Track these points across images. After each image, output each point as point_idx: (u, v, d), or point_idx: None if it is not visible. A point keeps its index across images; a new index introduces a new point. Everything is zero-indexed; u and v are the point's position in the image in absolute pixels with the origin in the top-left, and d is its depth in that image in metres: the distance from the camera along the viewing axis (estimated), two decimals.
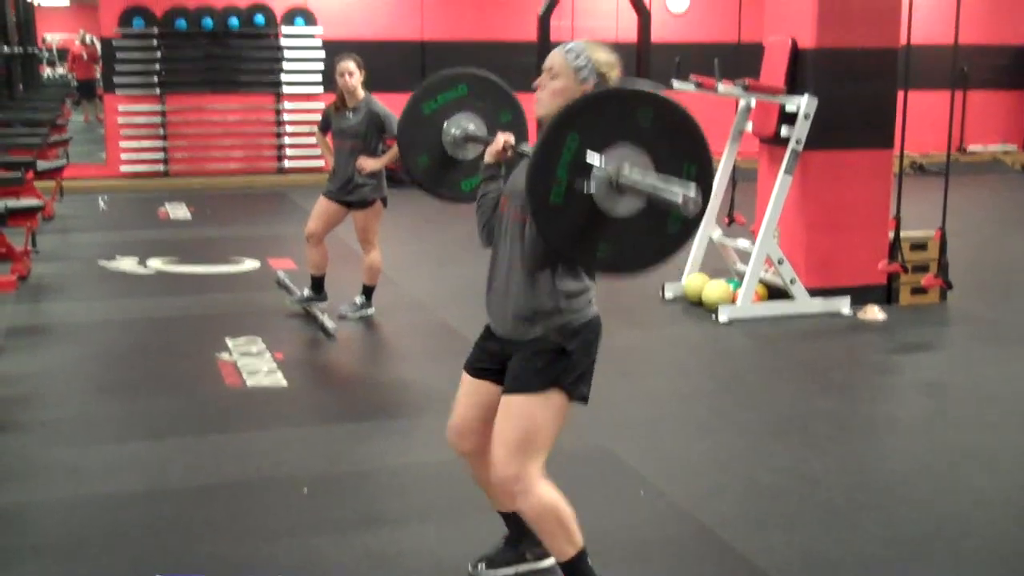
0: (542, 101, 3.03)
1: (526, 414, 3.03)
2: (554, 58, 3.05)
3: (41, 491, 4.24)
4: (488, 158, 3.25)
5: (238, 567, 3.58)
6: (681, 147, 2.80)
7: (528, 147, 3.14)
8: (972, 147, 15.43)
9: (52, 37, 26.30)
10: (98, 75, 17.78)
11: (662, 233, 2.83)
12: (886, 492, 4.26)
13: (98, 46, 16.96)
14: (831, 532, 3.88)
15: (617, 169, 2.72)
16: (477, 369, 3.26)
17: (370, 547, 3.74)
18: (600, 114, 2.76)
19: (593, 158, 2.72)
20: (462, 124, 3.63)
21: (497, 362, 3.18)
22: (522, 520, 3.32)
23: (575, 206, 2.76)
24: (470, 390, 3.28)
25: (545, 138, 2.74)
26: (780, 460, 4.58)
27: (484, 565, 3.48)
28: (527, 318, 3.06)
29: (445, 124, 3.64)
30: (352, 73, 6.52)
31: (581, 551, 3.11)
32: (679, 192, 2.54)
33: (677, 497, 4.16)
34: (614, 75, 3.03)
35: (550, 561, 3.44)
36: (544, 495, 3.05)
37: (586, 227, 2.79)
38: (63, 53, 24.39)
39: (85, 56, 20.33)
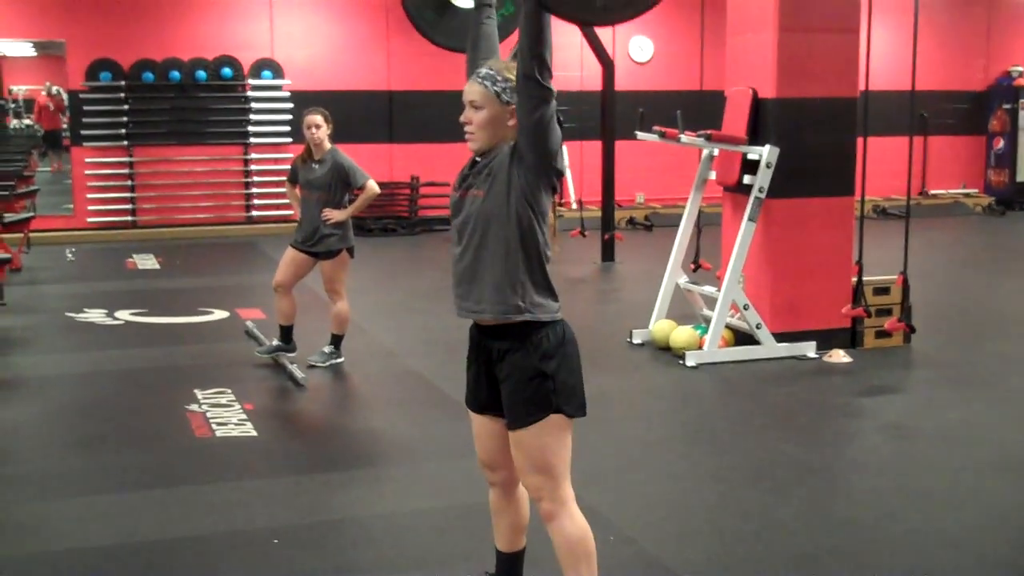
0: (475, 136, 3.09)
1: (533, 445, 3.12)
2: (472, 91, 3.09)
3: (10, 546, 4.21)
4: None
5: None
6: None
7: None
8: (934, 190, 15.68)
9: (18, 88, 26.26)
10: (64, 125, 17.77)
11: None
12: (852, 535, 4.30)
13: (64, 97, 16.98)
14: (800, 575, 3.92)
15: None
16: (476, 404, 3.31)
17: None
18: None
19: None
20: None
21: (487, 388, 3.22)
22: (513, 564, 3.44)
23: None
24: (479, 427, 3.34)
25: None
26: (748, 505, 4.62)
27: None
28: (494, 293, 3.08)
29: None
30: (319, 126, 6.60)
31: None
32: None
33: (646, 543, 4.19)
34: None
35: None
36: (578, 522, 3.17)
37: None
38: (29, 104, 24.35)
39: (51, 107, 20.30)
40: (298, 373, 6.48)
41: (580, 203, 12.57)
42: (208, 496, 4.74)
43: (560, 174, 3.09)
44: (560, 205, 13.00)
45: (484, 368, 3.22)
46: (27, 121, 24.62)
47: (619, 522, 4.35)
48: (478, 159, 3.15)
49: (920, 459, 5.27)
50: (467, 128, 3.10)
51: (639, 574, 3.95)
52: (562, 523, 3.16)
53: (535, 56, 2.90)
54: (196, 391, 6.22)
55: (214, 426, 5.63)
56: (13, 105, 25.35)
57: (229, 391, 6.24)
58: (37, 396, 6.31)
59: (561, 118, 3.04)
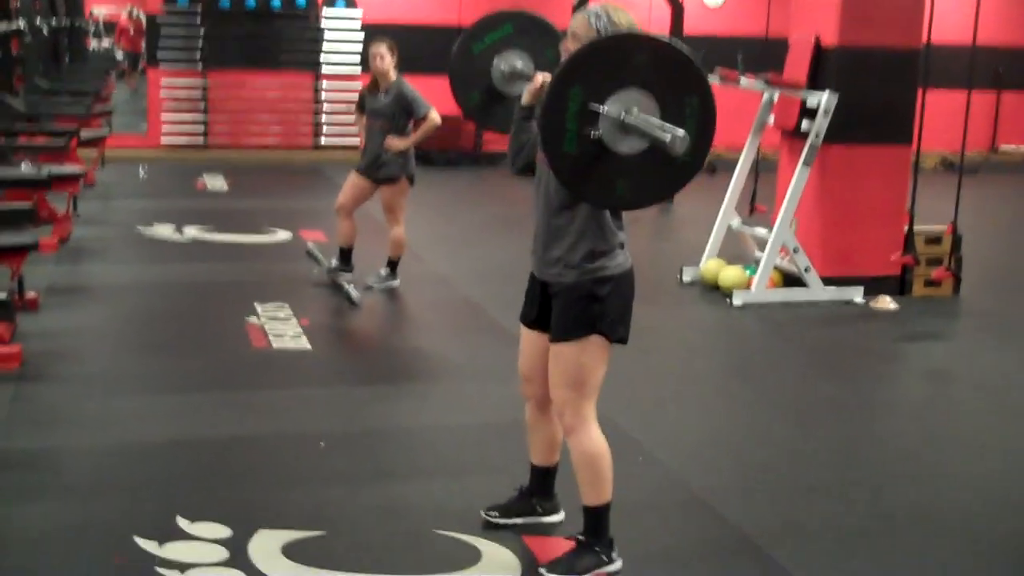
0: None
1: (571, 360, 3.32)
2: (576, 22, 3.27)
3: (73, 437, 4.50)
4: (525, 98, 3.46)
5: (253, 513, 3.81)
6: (680, 83, 3.02)
7: None
8: (1005, 147, 15.45)
9: (99, 10, 26.72)
10: (143, 48, 18.13)
11: (672, 164, 3.05)
12: (872, 471, 4.45)
13: (143, 20, 17.29)
14: (814, 504, 4.08)
15: (620, 112, 2.95)
16: (528, 320, 3.53)
17: (378, 500, 3.97)
18: (598, 63, 3.00)
19: (596, 107, 2.96)
20: (510, 61, 3.89)
21: (540, 308, 3.45)
22: (545, 476, 3.66)
23: (588, 151, 3.00)
24: (526, 340, 3.56)
25: (549, 95, 2.98)
26: (776, 438, 4.78)
27: (497, 513, 3.73)
28: (560, 264, 3.31)
29: (495, 60, 3.88)
30: (383, 56, 6.75)
31: (608, 503, 3.39)
32: (668, 134, 2.81)
33: (672, 466, 4.38)
34: None
35: (558, 517, 3.72)
36: (596, 440, 3.37)
37: (601, 169, 3.03)
38: (110, 26, 24.80)
39: (131, 30, 20.71)
40: (354, 293, 6.71)
41: None
42: (261, 401, 5.01)
43: None
44: None
45: (540, 285, 3.44)
46: (107, 43, 25.13)
47: (649, 445, 4.53)
48: None
49: (952, 404, 5.38)
50: (564, 56, 3.27)
51: (663, 493, 4.14)
52: (581, 438, 3.36)
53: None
54: (256, 304, 6.48)
55: (271, 338, 5.89)
56: (93, 27, 25.86)
57: (287, 306, 6.49)
58: (107, 302, 6.62)
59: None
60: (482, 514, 3.74)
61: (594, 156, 3.01)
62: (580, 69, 2.99)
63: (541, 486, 3.71)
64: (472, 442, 4.60)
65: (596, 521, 3.40)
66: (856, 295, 7.13)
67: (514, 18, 4.00)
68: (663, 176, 3.11)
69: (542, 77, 3.42)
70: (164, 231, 8.69)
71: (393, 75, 6.82)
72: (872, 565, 3.64)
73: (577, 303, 3.30)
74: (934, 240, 7.30)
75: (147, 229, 8.72)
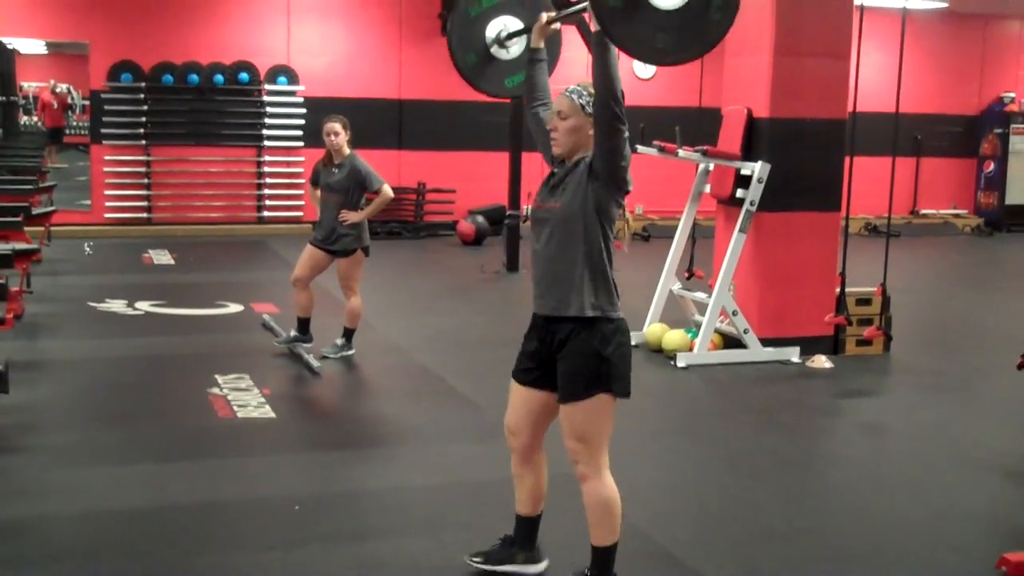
0: (559, 141, 3.57)
1: (583, 418, 3.58)
2: (560, 102, 3.58)
3: (48, 507, 4.59)
4: (534, 39, 3.77)
5: (236, 574, 3.97)
6: None
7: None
8: (925, 210, 16.12)
9: (28, 85, 26.60)
10: (66, 123, 18.24)
11: (707, 19, 3.33)
12: (823, 518, 4.72)
13: (75, 96, 17.43)
14: (772, 550, 4.33)
15: None
16: (523, 378, 3.75)
17: (357, 557, 4.15)
18: None
19: None
20: (505, 24, 4.13)
21: (538, 364, 3.67)
22: (531, 527, 3.89)
23: (631, 5, 3.22)
24: (518, 397, 3.78)
25: None
26: (729, 490, 5.04)
27: (481, 559, 3.94)
28: (566, 298, 3.54)
29: (489, 25, 4.13)
30: (338, 133, 7.01)
31: (616, 543, 3.67)
32: None
33: (635, 519, 4.57)
34: None
35: (539, 567, 3.95)
36: (609, 487, 3.64)
37: (642, 21, 3.27)
38: (36, 101, 24.70)
39: (55, 104, 20.67)
40: (314, 362, 6.89)
41: None
42: (232, 468, 5.15)
43: (628, 189, 3.56)
44: None
45: (541, 347, 3.67)
46: (35, 118, 25.03)
47: None
48: (556, 170, 3.63)
49: (891, 454, 5.69)
50: (553, 135, 3.59)
51: (629, 545, 4.32)
52: (595, 485, 3.63)
53: (608, 88, 3.37)
54: (217, 376, 6.63)
55: (235, 407, 6.04)
56: (23, 102, 25.76)
57: (248, 377, 6.65)
58: (66, 377, 6.71)
59: (632, 143, 3.51)
60: (466, 559, 3.94)
61: (635, 9, 3.23)
62: None
63: (525, 536, 3.93)
64: (440, 501, 4.80)
65: (604, 559, 3.66)
66: (793, 355, 7.47)
67: None
68: (698, 31, 3.36)
69: (546, 15, 3.75)
70: (116, 306, 8.80)
71: (346, 151, 7.07)
72: None
73: (584, 365, 3.53)
74: (864, 301, 7.68)
75: (99, 304, 8.82)
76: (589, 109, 3.51)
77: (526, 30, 3.97)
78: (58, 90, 20.76)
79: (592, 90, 3.51)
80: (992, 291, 11.36)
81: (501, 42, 4.17)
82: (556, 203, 3.58)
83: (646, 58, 3.52)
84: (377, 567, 4.06)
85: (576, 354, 3.55)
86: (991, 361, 7.78)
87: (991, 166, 16.26)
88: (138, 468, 5.11)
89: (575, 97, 3.55)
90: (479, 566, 3.93)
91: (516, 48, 4.16)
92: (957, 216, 16.29)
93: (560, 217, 3.56)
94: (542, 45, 3.80)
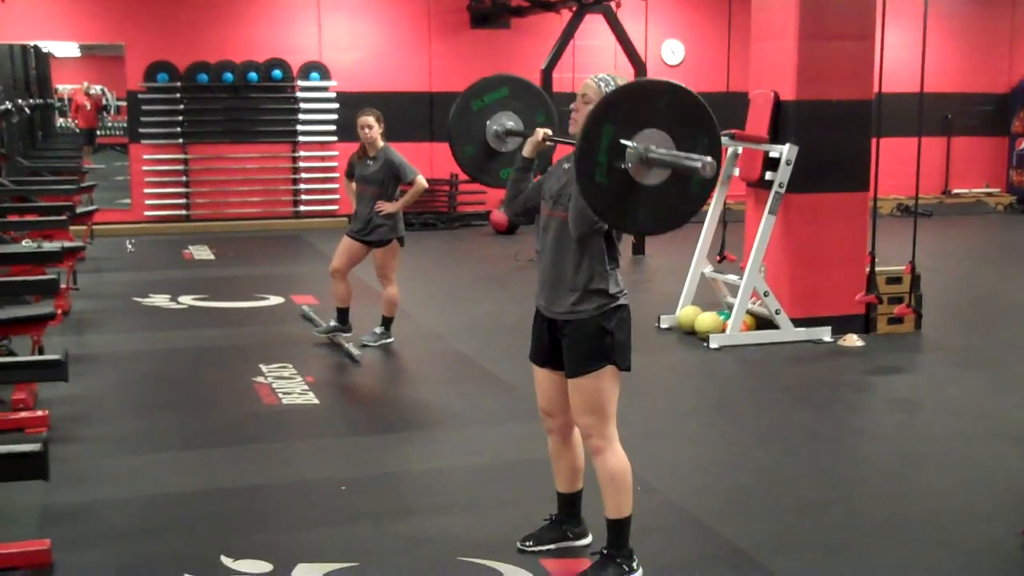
0: (577, 121, 3.70)
1: (590, 390, 3.73)
2: (587, 86, 3.73)
3: (110, 491, 4.81)
4: (527, 150, 3.95)
5: (290, 551, 4.14)
6: (693, 123, 3.45)
7: (560, 137, 3.91)
8: (957, 189, 16.10)
9: (63, 87, 26.96)
10: (99, 124, 18.55)
11: (686, 195, 3.48)
12: (853, 489, 4.85)
13: (109, 97, 17.71)
14: (803, 520, 4.47)
15: (645, 148, 3.36)
16: (538, 360, 3.93)
17: (402, 533, 4.32)
18: (627, 105, 3.41)
19: (626, 142, 3.36)
20: (503, 121, 4.34)
21: (549, 347, 3.84)
22: (573, 503, 4.05)
23: (615, 182, 3.39)
24: (540, 379, 3.96)
25: (586, 130, 3.37)
26: (760, 463, 5.18)
27: (532, 542, 4.09)
28: (568, 302, 3.72)
29: (488, 121, 4.33)
30: (372, 127, 7.17)
31: (630, 516, 3.80)
32: (698, 160, 3.23)
33: (670, 494, 4.75)
34: None
35: (587, 540, 4.10)
36: (620, 457, 3.78)
37: (626, 198, 3.43)
38: (71, 103, 25.05)
39: (88, 106, 20.97)
40: (354, 350, 7.08)
41: None
42: (279, 452, 5.35)
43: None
44: None
45: (547, 328, 3.84)
46: (69, 120, 25.39)
47: (646, 476, 4.87)
48: (565, 165, 3.75)
49: (920, 429, 5.80)
50: (575, 115, 3.73)
51: (664, 517, 4.51)
52: (607, 457, 3.77)
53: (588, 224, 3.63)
54: (261, 365, 6.83)
55: (280, 395, 6.24)
56: (59, 104, 26.14)
57: (291, 366, 6.84)
58: (114, 369, 6.93)
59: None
60: (517, 544, 4.10)
61: (621, 187, 3.39)
62: (612, 109, 3.39)
63: (569, 512, 4.09)
64: (481, 480, 4.96)
65: (619, 532, 3.79)
66: (824, 334, 7.58)
67: (511, 82, 4.47)
68: (677, 206, 3.51)
69: (543, 132, 3.93)
70: (160, 300, 9.02)
71: (380, 143, 7.23)
72: (859, 571, 4.02)
73: (589, 339, 3.70)
74: (895, 280, 7.77)
75: (143, 299, 9.05)
76: None
77: (522, 136, 4.16)
78: (91, 92, 21.09)
79: (620, 82, 3.65)
80: (1023, 268, 11.38)
81: (500, 136, 4.38)
82: (561, 212, 3.74)
83: (625, 230, 3.68)
84: (423, 543, 4.23)
85: (580, 330, 3.71)
86: (1019, 337, 7.86)
87: (1023, 144, 16.21)
88: (190, 454, 5.32)
89: (602, 85, 3.69)
90: (532, 550, 4.07)
91: (513, 143, 4.38)
92: (989, 195, 16.26)
93: (563, 226, 3.72)
94: (534, 157, 3.97)
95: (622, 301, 3.77)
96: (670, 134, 3.40)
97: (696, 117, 3.45)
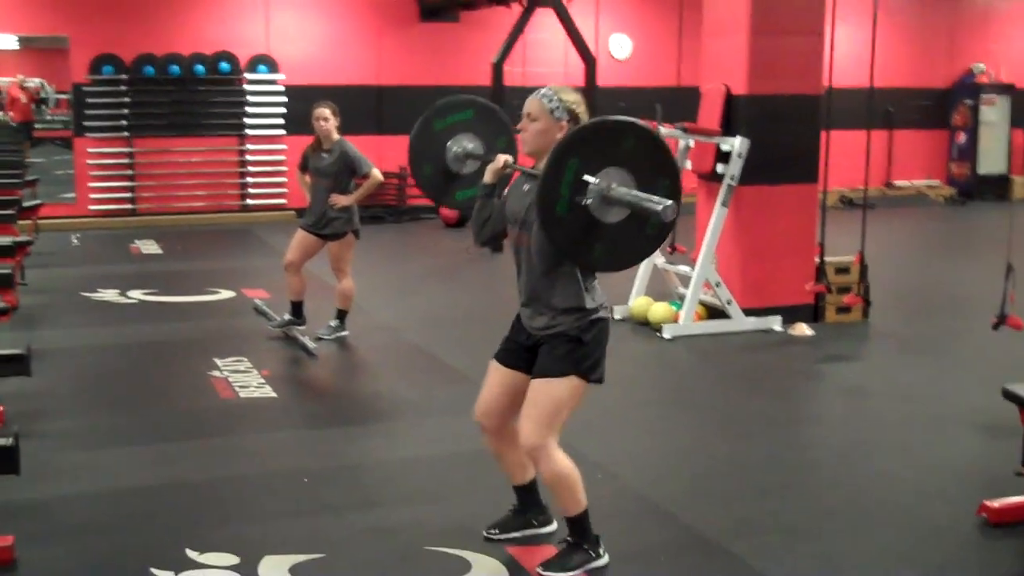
0: (527, 140, 3.72)
1: (550, 395, 3.71)
2: (531, 105, 3.71)
3: (68, 487, 4.76)
4: (488, 176, 3.93)
5: (255, 543, 4.13)
6: (656, 165, 3.50)
7: (521, 166, 3.88)
8: (898, 182, 16.38)
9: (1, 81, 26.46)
10: (35, 118, 18.28)
11: (642, 235, 3.53)
12: (808, 474, 4.96)
13: (48, 90, 17.46)
14: (761, 505, 4.55)
15: (607, 186, 3.41)
16: (505, 358, 3.90)
17: (368, 524, 4.33)
18: (594, 142, 3.46)
19: (589, 178, 3.41)
20: (464, 143, 4.32)
21: (524, 353, 3.83)
22: (529, 492, 4.06)
23: (575, 216, 3.43)
24: (498, 377, 3.92)
25: (551, 162, 3.41)
26: (718, 450, 5.26)
27: (497, 530, 4.12)
28: (547, 318, 3.73)
29: (449, 142, 4.31)
30: (328, 119, 7.16)
31: (585, 510, 3.81)
32: (659, 203, 3.27)
33: (630, 481, 4.82)
34: (581, 111, 3.72)
35: (552, 527, 4.13)
36: (561, 462, 3.75)
37: (584, 232, 3.48)
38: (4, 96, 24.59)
39: (24, 99, 20.61)
40: (310, 343, 7.06)
41: None
42: (240, 446, 5.34)
43: None
44: None
45: (524, 336, 3.84)
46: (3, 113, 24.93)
47: (606, 463, 4.96)
48: (525, 187, 3.76)
49: (871, 415, 5.92)
50: (523, 134, 3.74)
51: (624, 503, 4.57)
52: (548, 463, 3.73)
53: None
54: (216, 360, 6.79)
55: (236, 388, 6.21)
56: None
57: (246, 360, 6.82)
58: (67, 365, 6.85)
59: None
60: (483, 533, 4.12)
61: (580, 221, 3.44)
62: (579, 143, 3.44)
63: (529, 501, 4.12)
64: (443, 470, 4.99)
65: (579, 526, 3.83)
66: (775, 324, 7.69)
67: (476, 105, 4.44)
68: (632, 245, 3.57)
69: (504, 159, 3.91)
70: (109, 295, 8.93)
71: (335, 136, 7.22)
72: (820, 551, 4.11)
73: (563, 345, 3.70)
74: (843, 270, 7.91)
75: (92, 294, 8.96)
76: (558, 114, 3.66)
77: (483, 161, 4.15)
78: (27, 85, 20.73)
79: (563, 96, 3.68)
80: (965, 258, 11.61)
81: (459, 158, 4.35)
82: (528, 238, 3.73)
83: (580, 263, 3.65)
84: (389, 533, 4.25)
85: (557, 338, 3.71)
86: (965, 324, 8.03)
87: (962, 137, 16.53)
88: (148, 448, 5.28)
89: (545, 101, 3.68)
90: (498, 538, 4.10)
91: (471, 166, 4.34)
92: (930, 187, 16.56)
93: (533, 250, 3.73)
94: (495, 183, 3.95)
95: (601, 315, 3.76)
96: (633, 174, 3.45)
97: (659, 158, 3.51)
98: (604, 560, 3.85)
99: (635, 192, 3.41)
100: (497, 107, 4.56)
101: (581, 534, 3.83)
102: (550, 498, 3.99)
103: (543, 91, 3.72)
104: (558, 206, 3.43)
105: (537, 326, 3.77)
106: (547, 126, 3.67)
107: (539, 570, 3.81)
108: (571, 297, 3.69)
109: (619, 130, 3.49)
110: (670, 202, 3.28)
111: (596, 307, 3.73)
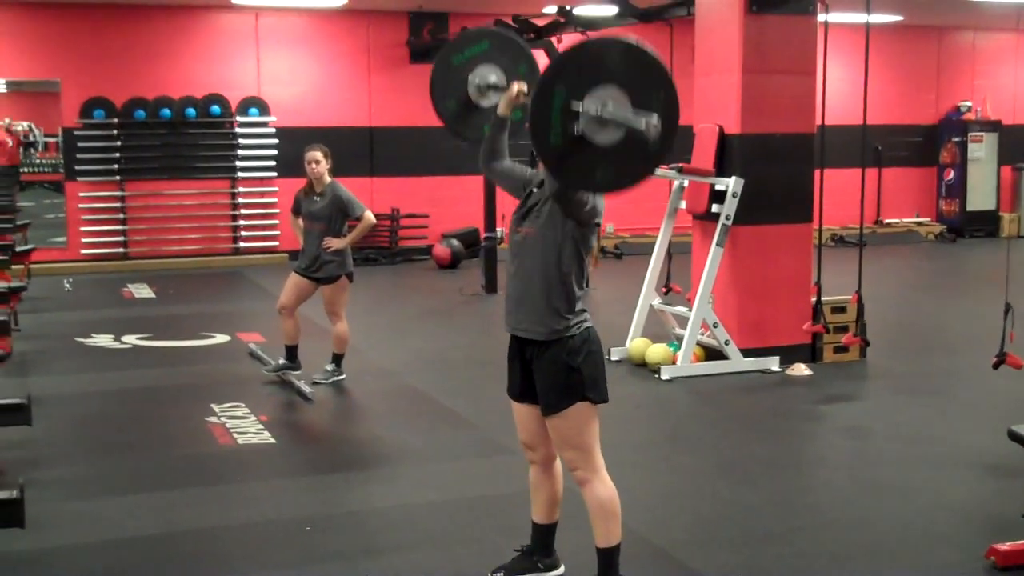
0: None
1: (566, 427, 3.76)
2: None
3: (67, 537, 4.70)
4: (501, 107, 3.90)
5: None
6: (648, 79, 3.43)
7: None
8: (889, 219, 16.45)
9: None
10: (21, 161, 18.20)
11: (645, 153, 3.44)
12: (813, 517, 4.92)
13: (36, 133, 17.41)
14: (768, 549, 4.52)
15: (599, 107, 3.34)
16: (515, 394, 3.93)
17: (375, 571, 4.29)
18: (577, 64, 3.41)
19: (576, 105, 3.35)
20: (485, 74, 4.28)
21: (523, 380, 3.85)
22: (547, 533, 4.05)
23: (571, 143, 3.39)
24: (519, 413, 3.96)
25: (536, 95, 3.39)
26: (721, 494, 5.23)
27: (503, 573, 4.08)
28: (531, 318, 3.74)
29: (470, 75, 4.28)
30: (319, 162, 7.15)
31: (619, 544, 3.84)
32: (642, 119, 3.24)
33: (634, 525, 4.74)
34: None
35: (558, 571, 4.11)
36: (608, 485, 3.82)
37: (582, 158, 3.43)
38: None
39: (10, 143, 20.56)
40: (306, 388, 7.02)
41: None
42: (239, 493, 5.28)
43: (598, 221, 3.74)
44: None
45: (520, 364, 3.86)
46: None
47: None
48: (534, 190, 3.78)
49: (873, 456, 5.90)
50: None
51: (629, 548, 4.49)
52: (594, 487, 3.80)
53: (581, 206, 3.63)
54: (213, 405, 6.75)
55: (234, 435, 6.17)
56: None
57: (243, 405, 6.77)
58: (63, 412, 6.78)
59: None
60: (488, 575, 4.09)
61: (576, 147, 3.39)
62: (562, 70, 3.39)
63: (542, 543, 4.09)
64: (446, 516, 4.95)
65: (609, 561, 3.83)
66: (773, 364, 7.69)
67: (492, 35, 4.38)
68: (635, 163, 3.49)
69: (517, 86, 3.87)
70: (103, 340, 8.89)
71: (327, 179, 7.21)
72: None
73: (557, 377, 3.71)
74: (840, 309, 7.91)
75: (86, 339, 8.91)
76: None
77: (501, 89, 4.13)
78: (14, 129, 20.69)
79: None
80: (959, 295, 11.66)
81: (481, 90, 4.32)
82: (530, 228, 3.75)
83: (588, 189, 3.62)
84: None
85: (548, 369, 3.73)
86: (962, 363, 8.03)
87: (951, 174, 16.63)
88: (147, 496, 5.23)
89: None
90: None
91: (495, 96, 4.29)
92: (920, 224, 16.64)
93: (533, 242, 3.74)
94: (508, 114, 3.92)
95: (587, 324, 3.77)
96: (626, 91, 3.38)
97: (650, 73, 3.42)
98: None
99: (623, 111, 3.34)
100: (515, 35, 4.48)
101: (609, 569, 3.82)
102: (567, 539, 3.95)
103: None
104: (552, 136, 3.38)
105: (524, 326, 3.78)
106: None
107: None
108: (563, 298, 3.71)
109: (601, 48, 3.45)
110: (655, 117, 3.23)
111: (581, 312, 3.75)
